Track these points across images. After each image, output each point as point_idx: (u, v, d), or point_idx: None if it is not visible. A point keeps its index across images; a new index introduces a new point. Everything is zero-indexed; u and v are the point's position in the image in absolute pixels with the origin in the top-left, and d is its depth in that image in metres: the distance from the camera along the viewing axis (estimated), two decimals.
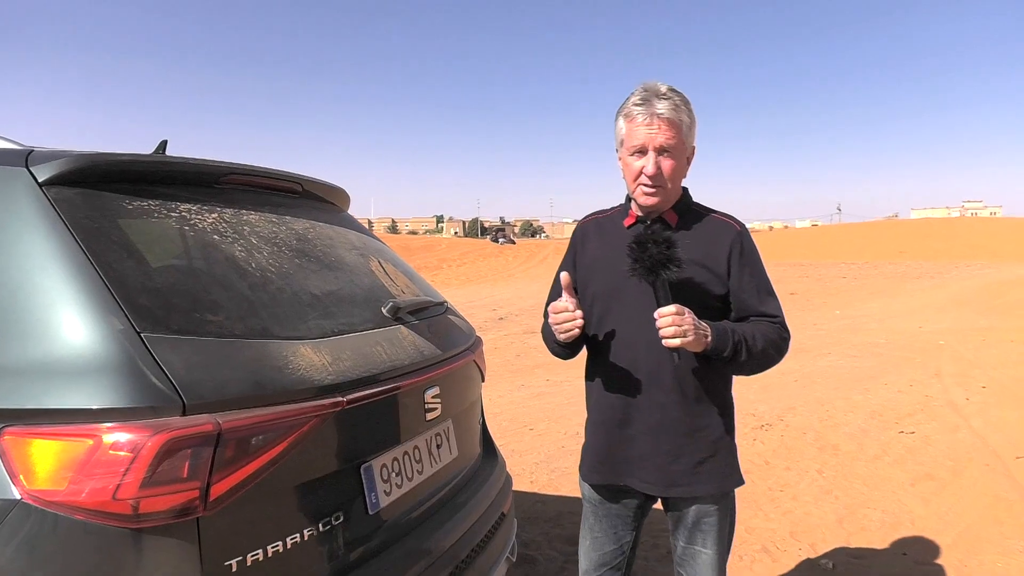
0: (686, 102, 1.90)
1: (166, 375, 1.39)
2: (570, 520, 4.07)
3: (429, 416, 2.07)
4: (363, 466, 1.80)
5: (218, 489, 1.41)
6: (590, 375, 2.12)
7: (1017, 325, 11.84)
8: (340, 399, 1.67)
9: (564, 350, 2.07)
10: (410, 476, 2.00)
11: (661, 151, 1.88)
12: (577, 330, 1.88)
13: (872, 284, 23.61)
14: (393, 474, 1.92)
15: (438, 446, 2.19)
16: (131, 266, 1.54)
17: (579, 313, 1.87)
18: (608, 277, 2.01)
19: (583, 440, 2.16)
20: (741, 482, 2.03)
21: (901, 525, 3.93)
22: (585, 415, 2.17)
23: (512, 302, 19.15)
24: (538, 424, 6.41)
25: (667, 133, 1.86)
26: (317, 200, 2.45)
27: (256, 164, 2.13)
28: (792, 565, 3.50)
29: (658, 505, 2.11)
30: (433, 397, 2.08)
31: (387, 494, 1.88)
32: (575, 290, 1.97)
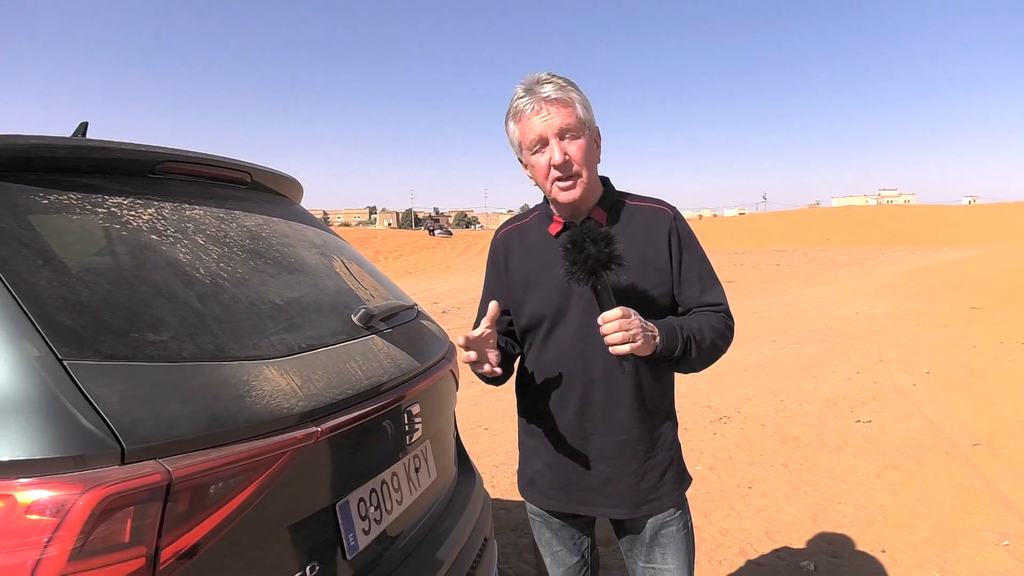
0: (570, 82, 1.74)
1: (98, 413, 1.10)
2: None
3: (411, 438, 1.81)
4: (339, 504, 1.53)
5: (170, 552, 1.13)
6: (531, 399, 1.88)
7: (947, 309, 12.20)
8: (314, 429, 1.40)
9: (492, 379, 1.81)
10: (389, 508, 1.73)
11: (562, 135, 1.70)
12: (496, 370, 1.66)
13: (805, 271, 24.18)
14: (371, 508, 1.65)
15: (416, 469, 1.93)
16: (48, 276, 1.23)
17: (492, 355, 1.65)
18: (546, 295, 1.80)
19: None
20: (690, 479, 1.92)
21: (874, 520, 3.85)
22: None
23: (453, 295, 18.82)
24: (492, 423, 6.18)
25: (561, 113, 1.69)
26: (267, 192, 2.14)
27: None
28: (773, 568, 3.37)
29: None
30: (415, 415, 1.82)
31: (366, 533, 1.61)
32: (504, 312, 1.83)
